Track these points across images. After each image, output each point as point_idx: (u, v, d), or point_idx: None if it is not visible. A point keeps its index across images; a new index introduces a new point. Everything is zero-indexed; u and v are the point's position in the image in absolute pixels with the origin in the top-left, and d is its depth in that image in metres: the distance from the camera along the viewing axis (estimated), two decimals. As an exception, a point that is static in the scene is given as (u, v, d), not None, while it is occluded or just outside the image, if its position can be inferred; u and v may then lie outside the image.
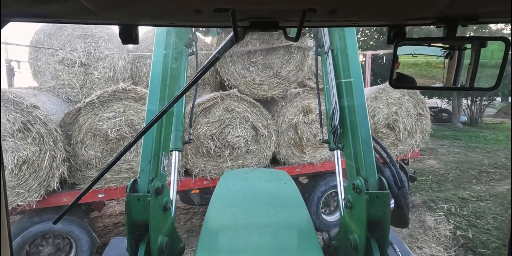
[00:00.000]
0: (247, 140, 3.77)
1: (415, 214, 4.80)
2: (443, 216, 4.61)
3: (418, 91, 4.97)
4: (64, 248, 3.33)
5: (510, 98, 21.77)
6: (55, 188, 2.95)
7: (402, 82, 0.86)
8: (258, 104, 3.86)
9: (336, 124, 1.63)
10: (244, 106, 3.76)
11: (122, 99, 3.19)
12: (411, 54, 0.81)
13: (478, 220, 4.47)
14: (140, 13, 0.62)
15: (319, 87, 2.29)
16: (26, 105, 2.75)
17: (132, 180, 1.38)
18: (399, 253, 1.50)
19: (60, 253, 3.31)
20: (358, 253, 1.33)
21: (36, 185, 2.86)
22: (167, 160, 1.56)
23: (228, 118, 3.67)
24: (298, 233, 1.52)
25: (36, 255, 3.20)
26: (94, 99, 3.07)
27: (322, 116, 2.29)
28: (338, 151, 1.89)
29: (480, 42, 0.76)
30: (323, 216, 4.45)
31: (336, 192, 4.55)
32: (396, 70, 0.83)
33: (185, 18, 0.70)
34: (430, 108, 19.23)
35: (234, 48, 4.00)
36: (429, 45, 0.81)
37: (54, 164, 2.90)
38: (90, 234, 3.34)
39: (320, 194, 4.34)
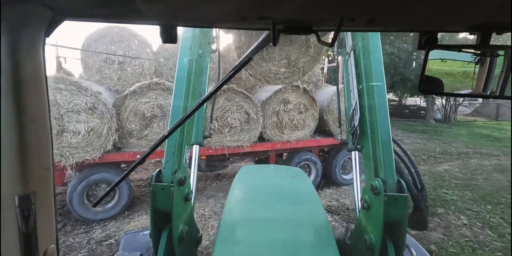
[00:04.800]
0: (241, 122, 5.16)
1: (367, 183, 6.32)
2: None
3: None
4: (111, 194, 4.71)
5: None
6: (110, 149, 4.32)
7: (431, 86, 0.84)
8: (251, 96, 5.24)
9: (355, 125, 1.61)
10: (240, 97, 5.13)
11: (155, 89, 4.54)
12: (440, 59, 0.79)
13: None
14: (189, 17, 0.64)
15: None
16: (94, 91, 4.09)
17: (157, 170, 1.43)
18: None
19: (107, 197, 4.68)
20: (373, 253, 1.32)
21: (98, 146, 4.22)
22: (188, 153, 1.61)
23: (228, 105, 5.05)
24: (314, 231, 1.50)
25: (92, 197, 4.58)
26: (136, 89, 4.41)
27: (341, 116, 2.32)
28: (356, 152, 1.88)
29: None
30: (297, 181, 5.92)
31: (308, 165, 6.03)
32: (426, 73, 0.82)
33: (230, 24, 0.73)
34: (410, 106, 20.84)
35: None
36: (459, 51, 0.78)
37: (110, 132, 4.25)
38: (129, 185, 4.73)
39: (295, 165, 5.79)
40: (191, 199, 1.58)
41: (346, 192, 5.83)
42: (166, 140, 1.41)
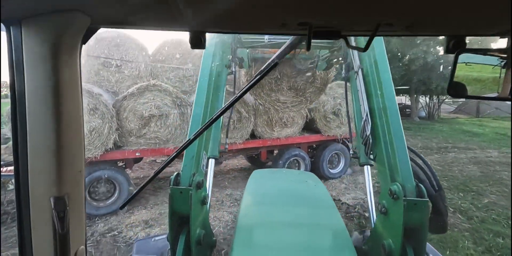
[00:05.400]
0: (234, 120, 5.50)
1: (353, 176, 6.76)
2: (351, 149, 6.51)
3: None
4: (111, 190, 4.96)
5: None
6: (111, 147, 4.59)
7: (460, 89, 0.83)
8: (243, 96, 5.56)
9: (368, 134, 1.62)
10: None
11: (152, 90, 4.82)
12: (464, 62, 0.78)
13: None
14: (231, 23, 0.64)
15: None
16: (95, 93, 4.35)
17: (175, 174, 1.43)
18: None
19: (108, 193, 4.94)
20: None
21: (99, 144, 4.48)
22: (206, 159, 1.66)
23: (221, 105, 5.37)
24: (332, 234, 1.49)
25: (93, 193, 4.82)
26: (134, 90, 4.70)
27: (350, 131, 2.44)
28: (369, 167, 1.95)
29: None
30: (287, 176, 6.31)
31: (297, 160, 6.41)
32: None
33: (269, 29, 0.75)
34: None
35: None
36: (485, 55, 0.78)
37: (110, 131, 4.52)
38: (129, 181, 4.99)
39: (285, 160, 6.17)
40: (207, 203, 1.60)
41: (333, 185, 6.25)
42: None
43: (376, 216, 1.53)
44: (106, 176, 4.71)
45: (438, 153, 8.88)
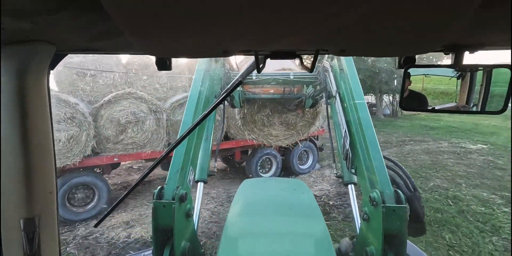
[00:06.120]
0: (208, 124, 5.88)
1: (321, 171, 7.38)
2: (335, 170, 7.23)
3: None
4: (90, 196, 5.12)
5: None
6: (89, 154, 4.79)
7: (413, 102, 0.86)
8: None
9: (347, 148, 1.72)
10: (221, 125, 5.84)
11: (128, 98, 5.09)
12: (424, 74, 0.82)
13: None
14: (178, 50, 0.67)
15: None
16: (72, 102, 4.55)
17: (159, 187, 1.45)
18: None
19: (87, 199, 5.09)
20: None
21: (77, 151, 4.66)
22: (193, 174, 1.66)
23: (195, 110, 5.73)
24: (315, 243, 1.51)
25: (72, 199, 4.96)
26: (111, 98, 4.94)
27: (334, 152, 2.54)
28: (352, 185, 2.02)
29: (490, 67, 0.77)
30: (260, 173, 6.78)
31: (269, 158, 6.91)
32: (409, 87, 0.83)
33: (214, 56, 0.79)
34: (363, 103, 23.07)
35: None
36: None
37: (88, 139, 4.72)
38: (108, 186, 5.19)
39: (258, 159, 6.65)
40: (192, 215, 1.62)
41: (303, 179, 6.82)
42: (172, 159, 1.54)
43: (360, 224, 1.61)
44: (84, 181, 4.89)
45: (397, 146, 9.83)
